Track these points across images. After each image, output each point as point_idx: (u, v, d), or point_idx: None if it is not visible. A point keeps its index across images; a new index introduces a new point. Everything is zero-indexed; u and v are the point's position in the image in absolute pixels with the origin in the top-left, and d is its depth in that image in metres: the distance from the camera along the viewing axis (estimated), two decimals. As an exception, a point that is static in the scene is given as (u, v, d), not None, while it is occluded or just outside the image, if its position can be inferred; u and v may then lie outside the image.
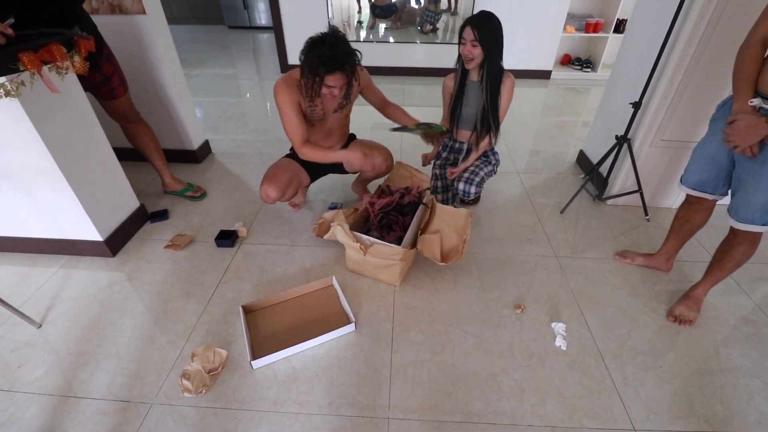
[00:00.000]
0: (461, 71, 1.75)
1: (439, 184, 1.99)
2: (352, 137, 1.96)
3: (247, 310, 1.49)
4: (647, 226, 1.99)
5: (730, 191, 1.35)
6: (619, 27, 3.87)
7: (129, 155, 2.18)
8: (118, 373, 1.31)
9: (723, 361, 1.36)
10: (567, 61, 4.26)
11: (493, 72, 1.66)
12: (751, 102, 1.12)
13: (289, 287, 1.59)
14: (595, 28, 3.89)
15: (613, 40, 3.87)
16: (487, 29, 1.57)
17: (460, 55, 1.69)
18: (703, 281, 1.50)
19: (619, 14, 3.78)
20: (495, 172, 1.95)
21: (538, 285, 1.64)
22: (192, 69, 4.32)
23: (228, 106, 3.39)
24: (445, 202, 2.01)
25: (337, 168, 1.89)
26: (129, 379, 1.29)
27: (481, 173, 1.85)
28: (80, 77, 1.58)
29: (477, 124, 1.78)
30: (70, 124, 1.51)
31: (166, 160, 2.08)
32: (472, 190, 1.81)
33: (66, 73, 1.23)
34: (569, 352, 1.38)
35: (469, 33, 1.57)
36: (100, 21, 1.85)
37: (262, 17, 5.81)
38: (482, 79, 1.69)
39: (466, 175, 1.84)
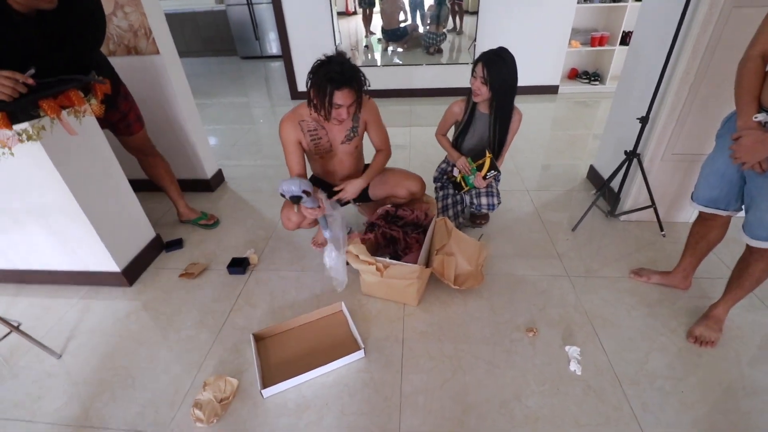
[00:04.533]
0: (472, 102, 1.75)
1: (440, 205, 1.99)
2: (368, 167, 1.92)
3: (258, 338, 1.50)
4: (663, 242, 1.94)
5: (743, 206, 1.31)
6: (626, 39, 3.86)
7: (146, 186, 2.27)
8: (134, 402, 1.34)
9: (749, 384, 1.30)
10: (574, 75, 4.25)
11: (502, 110, 1.67)
12: (756, 117, 1.10)
13: (300, 314, 1.61)
14: (601, 41, 3.89)
15: (620, 53, 3.85)
16: (497, 73, 1.56)
17: (470, 88, 1.70)
18: (722, 300, 1.44)
19: (625, 26, 3.77)
20: (499, 180, 2.00)
21: (551, 306, 1.61)
22: (207, 99, 4.49)
23: (241, 135, 3.50)
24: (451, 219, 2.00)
25: (361, 196, 1.85)
26: (144, 409, 1.31)
27: (495, 184, 1.89)
28: (99, 116, 1.68)
29: (485, 148, 1.78)
30: (88, 162, 1.59)
31: (180, 191, 2.15)
32: (496, 201, 1.85)
33: (84, 116, 1.30)
34: (584, 376, 1.34)
35: (480, 69, 1.59)
36: (117, 62, 1.97)
37: (273, 46, 6.03)
38: (491, 115, 1.71)
39: (483, 190, 1.85)
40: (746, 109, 1.12)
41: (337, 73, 1.39)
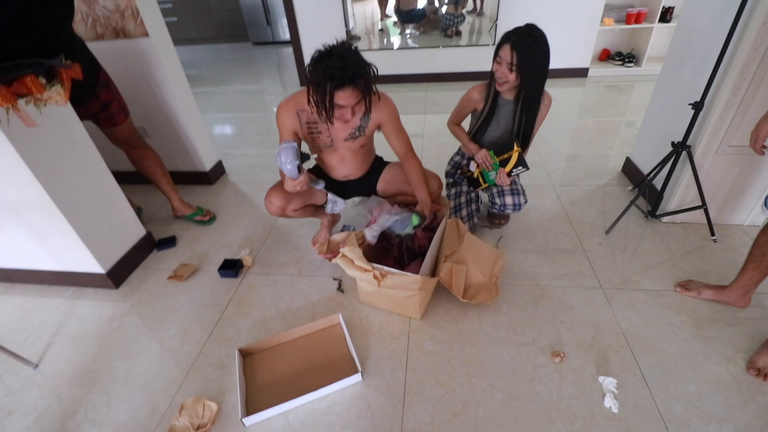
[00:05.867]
0: (494, 88, 1.48)
1: (452, 204, 1.77)
2: (379, 161, 1.72)
3: (245, 353, 1.34)
4: (714, 249, 1.67)
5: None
6: (666, 16, 3.48)
7: (139, 179, 2.14)
8: (105, 425, 1.20)
9: (831, 433, 1.06)
10: (606, 56, 3.88)
11: (530, 99, 1.41)
12: None
13: (293, 325, 1.44)
14: (637, 18, 3.51)
15: (659, 31, 3.47)
16: (530, 55, 1.30)
17: (492, 73, 1.44)
18: (796, 325, 1.19)
19: (665, 1, 3.39)
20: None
21: (581, 325, 1.38)
22: (216, 87, 4.35)
23: (247, 123, 3.34)
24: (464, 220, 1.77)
25: (368, 190, 1.70)
26: (115, 433, 1.18)
27: (519, 181, 1.66)
28: (78, 106, 1.53)
29: (508, 149, 1.53)
30: (63, 155, 1.44)
31: (173, 185, 2.01)
32: (522, 200, 1.63)
33: (44, 105, 1.15)
34: (622, 415, 1.12)
35: (507, 53, 1.32)
36: (105, 47, 1.83)
37: (285, 32, 5.82)
38: (517, 103, 1.45)
39: (506, 187, 1.63)
40: None
41: (338, 69, 1.16)
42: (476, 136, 1.60)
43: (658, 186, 1.81)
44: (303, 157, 1.33)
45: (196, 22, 6.15)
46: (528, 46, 1.29)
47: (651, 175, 1.81)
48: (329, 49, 1.20)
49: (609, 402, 1.14)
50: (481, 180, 1.66)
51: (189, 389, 1.28)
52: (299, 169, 1.29)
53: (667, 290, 1.50)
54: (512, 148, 1.50)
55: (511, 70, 1.33)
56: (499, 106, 1.51)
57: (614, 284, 1.54)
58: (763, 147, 1.21)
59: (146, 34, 1.82)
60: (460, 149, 1.81)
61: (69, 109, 1.45)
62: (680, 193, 1.74)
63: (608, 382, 1.18)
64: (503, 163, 1.54)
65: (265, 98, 3.97)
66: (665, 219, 1.82)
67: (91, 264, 1.61)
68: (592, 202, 2.03)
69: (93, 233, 1.57)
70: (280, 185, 1.53)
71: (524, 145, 1.54)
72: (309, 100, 1.31)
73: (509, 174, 1.55)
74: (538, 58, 1.31)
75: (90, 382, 1.33)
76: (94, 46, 1.61)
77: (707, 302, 1.43)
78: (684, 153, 1.62)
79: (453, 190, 1.78)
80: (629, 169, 2.18)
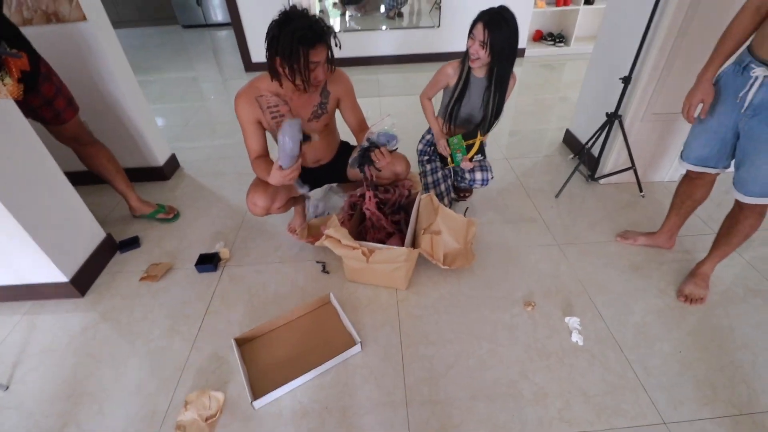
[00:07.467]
0: (467, 65, 1.57)
1: (429, 179, 1.87)
2: (345, 146, 1.76)
3: (241, 342, 1.36)
4: (643, 203, 1.96)
5: (733, 163, 1.30)
6: (589, -2, 3.83)
7: (87, 179, 1.99)
8: (104, 432, 1.17)
9: (738, 338, 1.34)
10: (539, 37, 4.18)
11: (501, 77, 1.52)
12: (753, 71, 1.10)
13: (284, 310, 1.47)
14: (566, 1, 3.82)
15: (584, 12, 3.81)
16: (501, 34, 1.39)
17: (467, 50, 1.52)
18: (709, 257, 1.46)
19: (588, -15, 3.72)
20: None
21: (545, 277, 1.58)
22: (148, 75, 4.02)
23: (192, 113, 3.16)
24: (439, 197, 1.88)
25: (338, 176, 1.73)
26: (117, 438, 1.15)
27: (486, 158, 1.79)
28: (16, 102, 1.39)
29: (479, 124, 1.65)
30: (10, 156, 1.31)
31: (129, 182, 1.89)
32: (490, 175, 1.76)
33: (-6, 100, 1.05)
34: (587, 346, 1.32)
35: (479, 32, 1.41)
36: (35, 33, 1.65)
37: (218, 13, 5.47)
38: (490, 82, 1.56)
39: (475, 163, 1.75)
40: (712, 64, 1.22)
41: (307, 29, 1.17)
42: (452, 112, 1.69)
43: (596, 153, 2.06)
44: (304, 138, 1.30)
45: (114, 3, 5.55)
46: (499, 25, 1.39)
47: (589, 144, 2.05)
48: (286, 15, 1.20)
49: (575, 337, 1.34)
50: (449, 159, 1.76)
51: (188, 384, 1.27)
52: (300, 149, 1.27)
53: (609, 241, 1.74)
54: (476, 135, 1.63)
55: (483, 47, 1.43)
56: (470, 82, 1.61)
57: (567, 240, 1.75)
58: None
59: (84, 18, 1.67)
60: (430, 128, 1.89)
61: (10, 103, 1.31)
62: (613, 157, 2.00)
63: (573, 321, 1.38)
64: (468, 149, 1.66)
65: (205, 86, 3.76)
66: (602, 181, 2.08)
67: (52, 273, 1.50)
68: (540, 171, 2.25)
69: (51, 239, 1.46)
70: (260, 183, 1.50)
71: (491, 123, 1.66)
72: (273, 76, 1.31)
73: (471, 159, 1.67)
74: (508, 38, 1.42)
75: (75, 394, 1.27)
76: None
77: (642, 247, 1.69)
78: (616, 122, 1.86)
79: (428, 167, 1.86)
80: (569, 139, 2.44)
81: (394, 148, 1.34)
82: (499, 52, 1.43)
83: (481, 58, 1.46)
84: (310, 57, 1.21)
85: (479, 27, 1.40)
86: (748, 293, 1.49)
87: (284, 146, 1.23)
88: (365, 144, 1.36)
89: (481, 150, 1.67)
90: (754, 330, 1.36)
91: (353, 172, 1.68)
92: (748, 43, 1.16)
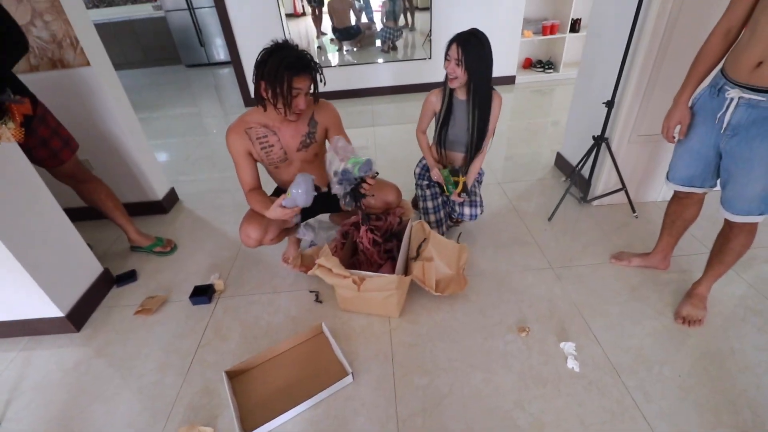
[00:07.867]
0: (448, 89, 1.63)
1: (430, 205, 1.87)
2: None
3: (232, 375, 1.35)
4: (636, 223, 1.96)
5: (719, 182, 1.31)
6: (575, 26, 3.96)
7: (88, 214, 2.03)
8: (91, 472, 1.15)
9: (740, 360, 1.30)
10: (529, 64, 4.32)
11: (480, 95, 1.57)
12: (728, 93, 1.12)
13: (276, 341, 1.47)
14: (552, 30, 3.96)
15: (570, 40, 3.94)
16: (474, 54, 1.46)
17: (446, 73, 1.59)
18: (704, 277, 1.45)
19: (573, 14, 3.86)
20: (481, 183, 1.92)
21: (539, 301, 1.56)
22: (153, 112, 4.17)
23: (194, 147, 3.25)
24: (437, 224, 1.89)
25: (332, 206, 1.74)
26: (103, 479, 1.13)
27: (478, 191, 1.81)
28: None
29: (468, 146, 1.69)
30: (10, 194, 1.36)
31: (128, 216, 1.93)
32: (479, 211, 1.77)
33: (-4, 144, 1.10)
34: (584, 372, 1.29)
35: (454, 51, 1.48)
36: (40, 78, 1.75)
37: (220, 52, 5.72)
38: (469, 101, 1.61)
39: (467, 199, 1.76)
40: (687, 87, 1.25)
41: (294, 59, 1.24)
42: (441, 137, 1.73)
43: (586, 175, 2.08)
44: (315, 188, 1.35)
45: (121, 46, 5.83)
46: (472, 43, 1.46)
47: (579, 166, 2.07)
48: (278, 45, 1.28)
49: (571, 363, 1.31)
50: (444, 188, 1.77)
51: (178, 419, 1.26)
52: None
53: (603, 262, 1.73)
54: (459, 174, 1.67)
55: (458, 65, 1.49)
56: (454, 105, 1.66)
57: (561, 263, 1.75)
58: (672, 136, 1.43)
59: (87, 63, 1.76)
60: None
61: (13, 144, 1.37)
62: (604, 179, 2.02)
63: (568, 347, 1.35)
64: (456, 185, 1.69)
65: (207, 121, 3.89)
66: (595, 203, 2.09)
67: (48, 308, 1.51)
68: (534, 194, 2.27)
69: (48, 275, 1.49)
70: (253, 215, 1.54)
71: (479, 144, 1.69)
72: (258, 102, 1.36)
73: (459, 195, 1.70)
74: (481, 54, 1.48)
75: (67, 430, 1.26)
76: (28, 78, 1.54)
77: (637, 269, 1.68)
78: (603, 145, 1.89)
79: (428, 192, 1.85)
80: (561, 162, 2.47)
81: (376, 172, 1.36)
82: (475, 68, 1.49)
83: (458, 77, 1.51)
84: (294, 83, 1.26)
85: (453, 47, 1.48)
86: (748, 313, 1.46)
87: (296, 198, 1.28)
88: (351, 181, 1.35)
89: (465, 189, 1.69)
90: (756, 352, 1.33)
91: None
92: (720, 65, 1.20)
